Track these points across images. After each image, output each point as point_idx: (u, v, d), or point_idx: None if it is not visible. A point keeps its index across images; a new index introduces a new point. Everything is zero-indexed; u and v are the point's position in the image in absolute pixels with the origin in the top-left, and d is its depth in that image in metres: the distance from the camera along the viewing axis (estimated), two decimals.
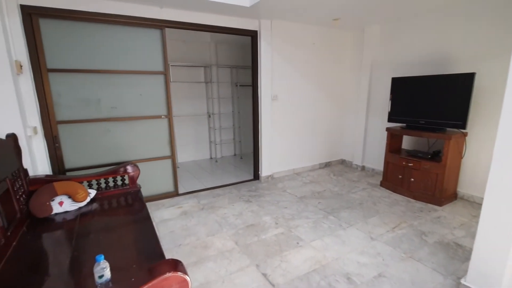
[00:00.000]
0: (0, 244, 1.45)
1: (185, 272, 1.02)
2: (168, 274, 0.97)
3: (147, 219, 1.94)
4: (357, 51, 4.21)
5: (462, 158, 3.07)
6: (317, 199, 3.22)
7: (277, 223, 2.64)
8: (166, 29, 3.02)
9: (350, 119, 4.50)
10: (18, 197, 1.86)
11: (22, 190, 2.02)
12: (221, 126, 5.35)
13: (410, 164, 3.16)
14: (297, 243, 2.31)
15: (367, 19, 3.61)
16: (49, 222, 1.97)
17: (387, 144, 3.46)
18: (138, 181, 2.51)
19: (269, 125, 3.78)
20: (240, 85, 5.24)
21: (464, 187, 3.15)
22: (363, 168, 4.35)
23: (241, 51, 5.27)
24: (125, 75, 2.89)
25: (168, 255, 2.12)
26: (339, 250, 2.21)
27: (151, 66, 3.00)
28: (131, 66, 2.90)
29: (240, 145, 5.50)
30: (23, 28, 2.34)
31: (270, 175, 3.93)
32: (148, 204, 3.12)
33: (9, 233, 1.57)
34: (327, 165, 4.61)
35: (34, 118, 2.49)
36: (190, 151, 5.19)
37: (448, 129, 3.02)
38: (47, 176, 2.25)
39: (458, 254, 2.13)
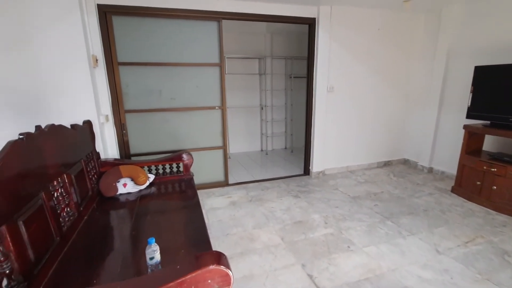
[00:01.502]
0: (74, 218, 1.65)
1: (228, 267, 1.00)
2: (211, 267, 0.96)
3: (197, 206, 2.01)
4: (430, 36, 3.68)
5: None
6: (373, 201, 2.95)
7: (326, 223, 2.50)
8: (223, 20, 3.05)
9: (417, 114, 4.00)
10: (90, 176, 2.10)
11: (94, 171, 2.28)
12: (273, 118, 5.30)
13: (493, 169, 2.66)
14: (348, 246, 2.15)
15: None
16: (114, 201, 2.18)
17: (463, 144, 2.97)
18: (192, 169, 2.62)
19: (323, 118, 3.59)
20: (294, 77, 5.09)
21: None
22: (430, 170, 3.84)
23: (297, 42, 5.10)
24: (183, 67, 3.02)
25: (215, 243, 2.19)
26: (397, 260, 1.98)
27: (208, 58, 3.08)
28: (189, 58, 3.02)
29: (292, 139, 5.39)
30: (99, 25, 2.60)
31: (321, 171, 3.76)
32: (199, 192, 3.27)
33: (81, 208, 1.78)
34: (387, 164, 4.20)
35: (106, 107, 2.78)
36: (241, 142, 5.28)
37: None
38: (115, 159, 2.49)
39: None
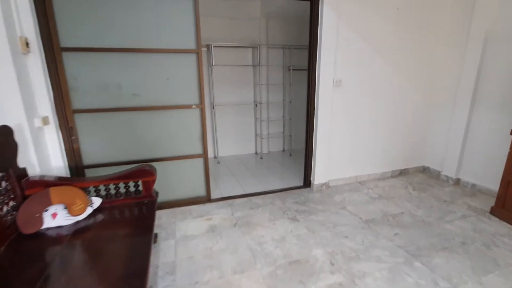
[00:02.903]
0: None
1: None
2: None
3: (147, 245, 1.39)
4: (462, 17, 2.97)
5: None
6: (392, 227, 2.30)
7: (333, 264, 1.85)
8: None
9: (441, 113, 3.32)
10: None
11: (12, 196, 1.64)
12: (269, 117, 4.63)
13: None
14: None
15: None
16: (36, 239, 1.55)
17: (510, 153, 2.30)
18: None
19: (328, 118, 2.91)
20: (293, 69, 4.40)
21: None
22: (457, 182, 3.17)
23: (296, 28, 4.39)
24: (150, 54, 2.35)
25: None
26: None
27: (181, 43, 2.40)
28: (157, 43, 2.35)
29: (290, 140, 4.72)
30: None
31: (325, 183, 3.10)
32: (173, 211, 2.65)
33: None
34: (403, 173, 3.53)
35: (45, 107, 2.11)
36: (232, 144, 4.62)
37: None
38: (47, 179, 1.83)
39: None
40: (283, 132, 4.80)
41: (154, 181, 1.99)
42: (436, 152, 3.42)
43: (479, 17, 2.77)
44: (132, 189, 2.02)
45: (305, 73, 4.54)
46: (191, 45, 2.42)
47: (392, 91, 3.16)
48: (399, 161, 3.47)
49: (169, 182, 2.66)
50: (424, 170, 3.61)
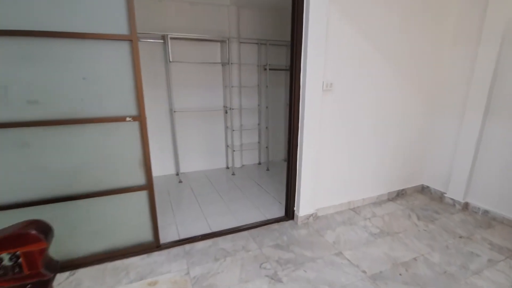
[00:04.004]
0: None
1: None
2: None
3: None
4: (473, 7, 2.47)
5: None
6: (408, 286, 1.68)
7: None
8: None
9: (445, 124, 2.80)
10: None
11: None
12: (242, 125, 3.91)
13: None
14: None
15: None
16: None
17: None
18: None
19: (316, 132, 2.26)
20: (270, 69, 3.72)
21: None
22: (465, 206, 2.67)
23: (274, 19, 3.73)
24: (52, 41, 1.53)
25: None
26: None
27: (105, 25, 1.61)
28: (65, 23, 1.53)
29: (267, 152, 4.03)
30: None
31: (312, 214, 2.44)
32: (103, 270, 1.83)
33: None
34: (400, 195, 2.98)
35: None
36: (198, 158, 3.84)
37: None
38: None
39: None
40: (258, 142, 4.11)
41: (43, 251, 1.19)
42: (438, 170, 2.91)
43: (495, 11, 2.26)
44: (7, 262, 1.20)
45: (284, 74, 3.87)
46: (121, 28, 1.63)
47: (392, 98, 2.58)
48: (396, 181, 2.92)
49: (98, 226, 1.85)
50: (423, 190, 3.09)
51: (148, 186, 1.91)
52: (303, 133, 2.21)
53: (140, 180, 1.90)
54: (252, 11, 3.56)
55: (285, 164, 4.30)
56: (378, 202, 2.82)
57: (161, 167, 3.63)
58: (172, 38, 3.14)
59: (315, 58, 2.08)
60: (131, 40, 1.64)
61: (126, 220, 1.93)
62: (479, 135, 2.48)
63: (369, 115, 2.51)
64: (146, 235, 2.02)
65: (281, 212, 2.61)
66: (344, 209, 2.65)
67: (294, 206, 2.44)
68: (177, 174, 3.62)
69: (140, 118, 1.76)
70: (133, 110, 1.75)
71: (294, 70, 2.17)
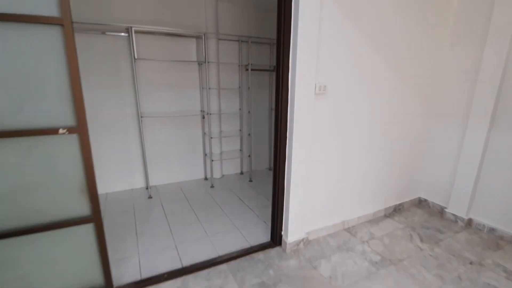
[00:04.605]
0: None
1: None
2: None
3: None
4: (476, 5, 2.22)
5: None
6: None
7: None
8: None
9: (446, 131, 2.55)
10: None
11: None
12: (222, 132, 3.51)
13: None
14: None
15: None
16: None
17: None
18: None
19: (307, 143, 1.90)
20: (252, 69, 3.35)
21: None
22: (469, 223, 2.42)
23: (257, 13, 3.37)
24: None
25: None
26: None
27: (22, 2, 1.16)
28: None
29: (250, 161, 3.65)
30: None
31: (302, 239, 2.07)
32: None
33: None
34: (397, 209, 2.70)
35: None
36: (172, 168, 3.39)
37: None
38: None
39: None
40: (240, 150, 3.72)
41: None
42: (436, 182, 2.65)
43: (503, 8, 2.02)
44: None
45: (268, 75, 3.54)
46: (50, 9, 1.19)
47: (390, 103, 2.28)
48: (393, 195, 2.63)
49: (30, 271, 1.38)
50: (421, 203, 2.82)
51: (95, 217, 1.47)
52: (292, 144, 1.85)
53: (83, 210, 1.45)
54: (232, 4, 3.18)
55: (270, 173, 3.96)
56: (374, 219, 2.51)
57: (126, 181, 3.15)
58: (138, 32, 2.70)
59: (306, 55, 1.73)
60: (62, 25, 1.20)
61: (67, 260, 1.47)
62: (484, 144, 2.23)
63: (366, 122, 2.19)
64: (94, 278, 1.57)
65: (266, 236, 2.23)
66: (338, 229, 2.31)
67: (281, 229, 2.07)
68: (147, 188, 3.16)
69: (79, 129, 1.32)
70: (68, 119, 1.30)
71: (281, 70, 1.81)
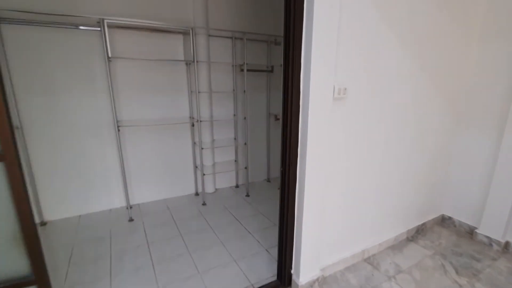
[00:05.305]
0: None
1: None
2: None
3: None
4: None
5: None
6: None
7: None
8: None
9: (474, 140, 2.21)
10: None
11: None
12: (214, 141, 3.10)
13: None
14: None
15: None
16: None
17: None
18: None
19: (325, 160, 1.51)
20: (248, 70, 2.95)
21: None
22: (506, 246, 2.07)
23: (253, 6, 2.98)
24: None
25: None
26: None
27: None
28: None
29: (246, 173, 3.23)
30: None
31: (317, 278, 1.68)
32: None
33: None
34: (420, 230, 2.34)
35: None
36: (158, 184, 2.95)
37: None
38: None
39: None
40: (235, 161, 3.31)
41: None
42: (463, 197, 2.31)
43: None
44: None
45: (266, 76, 3.16)
46: None
47: (414, 107, 1.92)
48: (414, 214, 2.27)
49: None
50: (444, 221, 2.47)
51: (37, 278, 1.03)
52: (304, 163, 1.46)
53: (19, 268, 1.01)
54: None
55: (268, 185, 3.55)
56: (397, 245, 2.14)
57: (103, 200, 2.70)
58: (112, 26, 2.27)
59: (326, 48, 1.34)
60: None
61: None
62: None
63: (390, 131, 1.82)
64: None
65: (270, 270, 1.83)
66: (358, 261, 1.93)
67: (291, 267, 1.67)
68: (128, 208, 2.70)
69: (5, 156, 0.89)
70: None
71: (289, 69, 1.41)
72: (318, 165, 1.48)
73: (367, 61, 1.56)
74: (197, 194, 3.17)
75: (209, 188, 3.18)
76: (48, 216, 2.51)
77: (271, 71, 3.22)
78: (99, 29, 2.25)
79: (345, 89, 1.48)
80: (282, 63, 1.46)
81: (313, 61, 1.32)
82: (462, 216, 2.33)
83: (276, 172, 3.64)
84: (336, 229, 1.74)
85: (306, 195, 1.50)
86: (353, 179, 1.74)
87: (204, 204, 2.91)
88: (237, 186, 3.41)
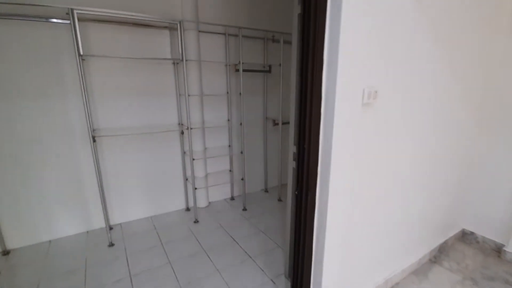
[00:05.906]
0: None
1: None
2: None
3: None
4: None
5: None
6: None
7: None
8: None
9: (499, 149, 1.98)
10: None
11: None
12: (207, 149, 2.76)
13: None
14: None
15: None
16: None
17: None
18: None
19: (353, 181, 1.22)
20: (244, 70, 2.63)
21: None
22: None
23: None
24: None
25: None
26: None
27: None
28: None
29: (243, 185, 2.91)
30: None
31: None
32: None
33: None
34: (442, 250, 2.09)
35: None
36: (142, 200, 2.59)
37: None
38: None
39: None
40: (230, 171, 2.98)
41: None
42: (488, 211, 2.08)
43: None
44: None
45: (263, 77, 2.86)
46: None
47: (443, 116, 1.67)
48: (436, 232, 2.02)
49: None
50: (465, 236, 2.24)
51: None
52: (328, 186, 1.16)
53: None
54: None
55: (266, 196, 3.20)
56: (420, 269, 1.88)
57: (79, 221, 2.32)
58: (85, 19, 1.90)
59: (358, 42, 1.05)
60: None
61: None
62: None
63: (417, 146, 1.55)
64: None
65: None
66: None
67: None
68: (107, 230, 2.32)
69: None
70: None
71: (308, 67, 1.11)
72: (343, 190, 1.18)
73: (398, 60, 1.28)
74: (188, 209, 2.82)
75: (202, 202, 2.84)
76: (12, 243, 2.11)
77: (269, 71, 2.92)
78: (68, 21, 1.88)
79: (376, 92, 1.19)
80: (296, 62, 1.16)
81: (340, 58, 1.02)
82: (487, 232, 2.11)
83: (274, 181, 3.34)
84: (361, 263, 1.46)
85: (329, 220, 1.20)
86: (382, 205, 1.46)
87: (196, 221, 2.58)
88: (232, 199, 3.09)
